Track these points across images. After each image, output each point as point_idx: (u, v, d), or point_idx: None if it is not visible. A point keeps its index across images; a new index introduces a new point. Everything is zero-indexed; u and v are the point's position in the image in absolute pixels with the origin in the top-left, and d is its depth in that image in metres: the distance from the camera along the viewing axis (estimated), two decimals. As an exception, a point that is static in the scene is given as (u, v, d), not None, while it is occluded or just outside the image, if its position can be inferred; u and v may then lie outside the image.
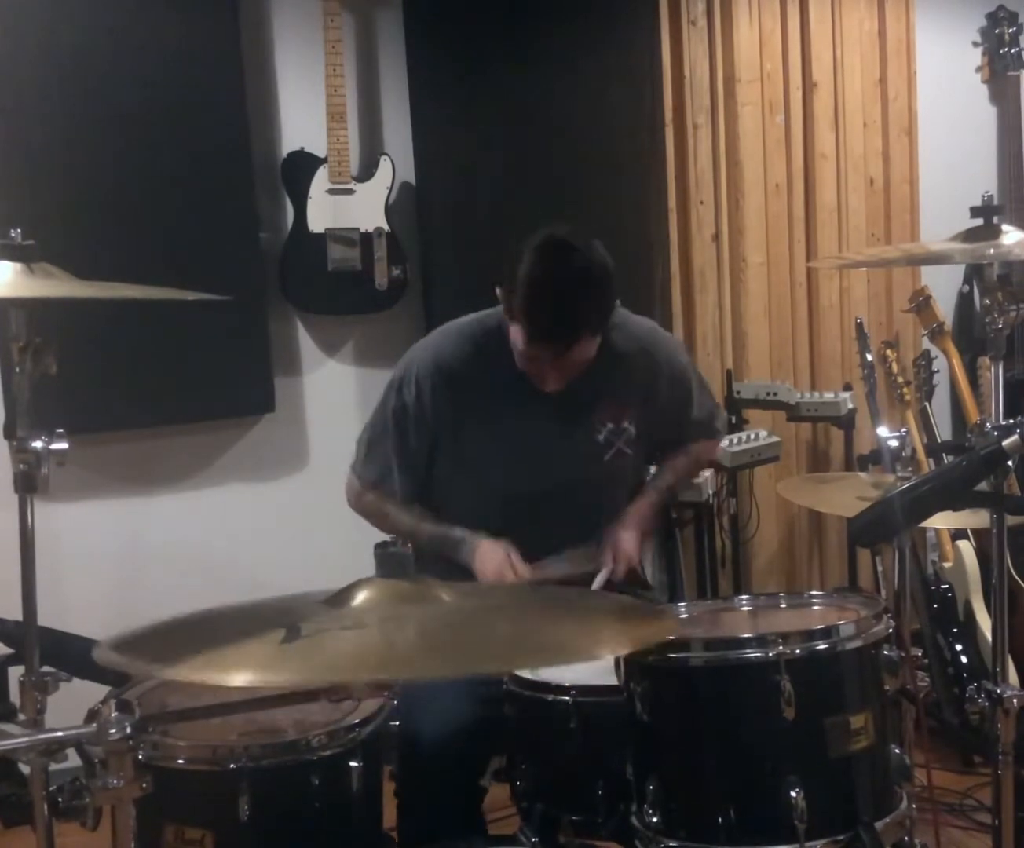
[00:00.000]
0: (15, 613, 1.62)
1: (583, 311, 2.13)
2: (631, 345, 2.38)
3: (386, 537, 1.74)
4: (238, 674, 1.27)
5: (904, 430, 2.23)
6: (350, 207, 3.50)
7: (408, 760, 1.96)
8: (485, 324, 2.35)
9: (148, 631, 1.45)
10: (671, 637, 1.64)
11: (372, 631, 1.38)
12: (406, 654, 1.34)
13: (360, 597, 1.44)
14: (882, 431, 3.48)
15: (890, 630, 1.77)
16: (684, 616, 1.99)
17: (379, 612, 1.42)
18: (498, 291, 2.24)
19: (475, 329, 2.36)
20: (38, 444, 1.48)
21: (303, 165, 3.50)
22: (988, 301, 1.75)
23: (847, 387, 3.89)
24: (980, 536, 3.38)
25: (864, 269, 4.19)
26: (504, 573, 2.21)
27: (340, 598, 1.44)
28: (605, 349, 2.30)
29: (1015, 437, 1.60)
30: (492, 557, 2.24)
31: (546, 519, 2.32)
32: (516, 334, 2.18)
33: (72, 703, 1.54)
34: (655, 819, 1.68)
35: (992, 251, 1.80)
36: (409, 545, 1.72)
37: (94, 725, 1.28)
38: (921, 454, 3.55)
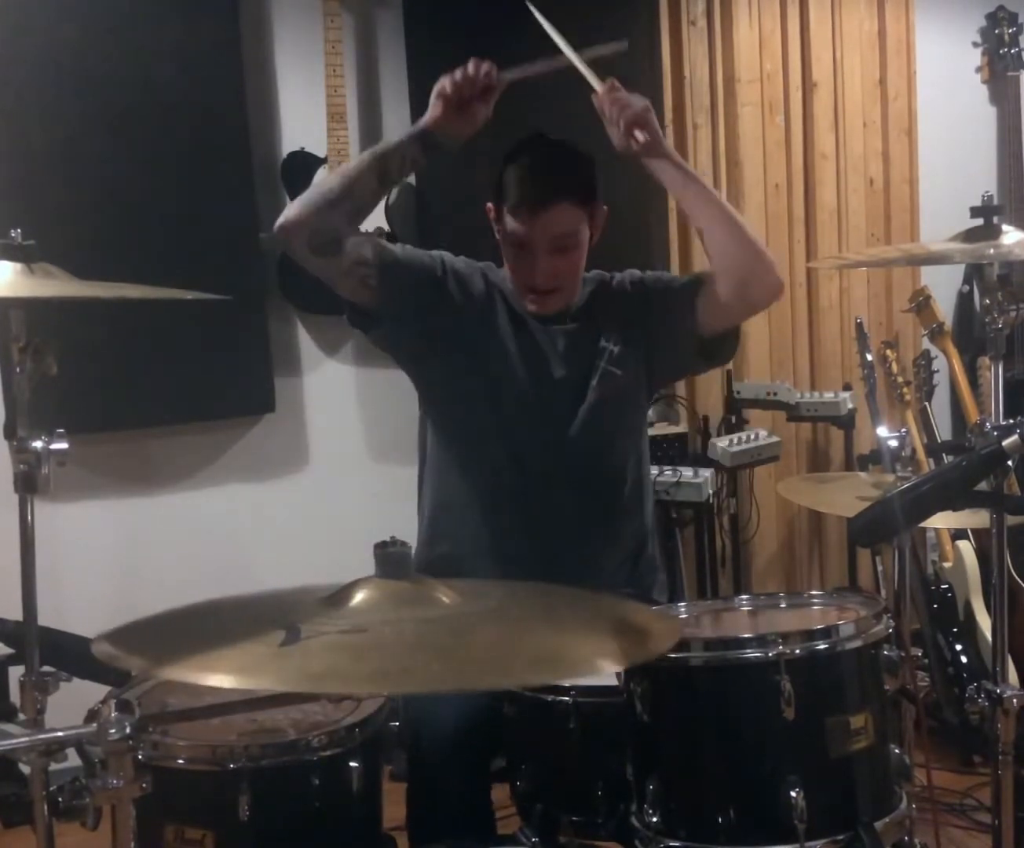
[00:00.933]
0: (15, 613, 1.62)
1: (562, 171, 2.17)
2: (608, 281, 2.33)
3: (386, 537, 1.71)
4: (233, 677, 1.27)
5: (904, 430, 2.23)
6: (350, 207, 3.50)
7: (415, 757, 1.96)
8: (487, 268, 2.33)
9: (147, 624, 1.45)
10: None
11: (370, 637, 1.37)
12: (403, 667, 1.33)
13: (359, 597, 1.44)
14: (882, 431, 3.49)
15: (890, 630, 1.77)
16: (684, 616, 1.99)
17: (378, 613, 1.41)
18: (488, 207, 2.23)
19: (481, 269, 2.33)
20: (38, 444, 1.48)
21: (303, 165, 3.50)
22: (988, 301, 1.75)
23: (847, 387, 3.89)
24: (980, 536, 3.38)
25: (864, 269, 4.19)
26: (452, 77, 2.09)
27: (339, 597, 1.44)
28: (587, 292, 2.28)
29: (1015, 437, 1.60)
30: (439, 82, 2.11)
31: (540, 468, 2.22)
32: (503, 226, 2.17)
33: (72, 703, 1.54)
34: (655, 819, 1.68)
35: (992, 251, 1.80)
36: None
37: (94, 725, 1.28)
38: (921, 454, 3.55)
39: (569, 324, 2.28)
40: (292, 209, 2.21)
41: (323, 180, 2.20)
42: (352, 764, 1.69)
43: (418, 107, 3.62)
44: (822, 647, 1.68)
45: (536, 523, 2.22)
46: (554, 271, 2.18)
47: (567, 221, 2.16)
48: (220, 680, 1.26)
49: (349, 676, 1.31)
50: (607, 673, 1.78)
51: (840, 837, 1.64)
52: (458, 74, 2.12)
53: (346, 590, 1.45)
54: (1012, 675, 2.95)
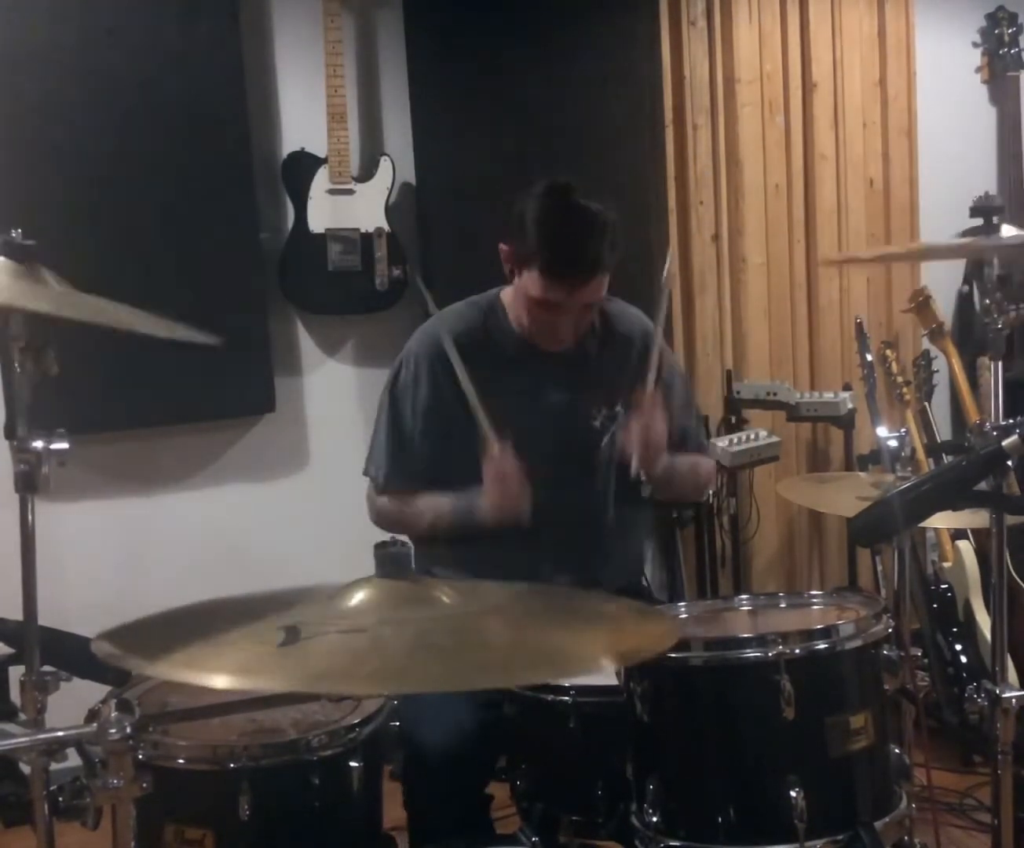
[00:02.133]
0: (15, 613, 1.62)
1: (598, 243, 2.13)
2: (632, 329, 2.39)
3: (386, 537, 1.72)
4: (232, 677, 1.27)
5: (904, 430, 2.23)
6: (350, 207, 3.51)
7: (413, 763, 1.95)
8: (479, 305, 2.35)
9: (147, 623, 1.45)
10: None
11: (369, 636, 1.37)
12: (401, 666, 1.33)
13: (359, 597, 1.43)
14: (882, 431, 3.49)
15: (890, 630, 1.77)
16: (684, 616, 2.00)
17: (378, 613, 1.41)
18: (503, 248, 2.22)
19: (470, 311, 2.35)
20: (38, 444, 1.48)
21: (303, 165, 3.51)
22: (988, 301, 1.75)
23: (847, 387, 3.89)
24: (980, 536, 3.38)
25: (863, 269, 4.18)
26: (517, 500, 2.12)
27: (340, 597, 1.44)
28: (605, 328, 2.33)
29: (1015, 437, 1.60)
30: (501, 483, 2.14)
31: (545, 506, 2.23)
32: (528, 282, 2.16)
33: (72, 703, 1.54)
34: (655, 819, 1.69)
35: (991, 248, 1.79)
36: (411, 545, 1.69)
37: (94, 725, 1.28)
38: (921, 454, 3.55)
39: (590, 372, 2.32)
40: (373, 515, 2.40)
41: (416, 517, 2.33)
42: (352, 764, 1.69)
43: (418, 107, 3.64)
44: (822, 647, 1.69)
45: (531, 553, 2.21)
46: (576, 328, 2.23)
47: (599, 290, 2.18)
48: (219, 681, 1.26)
49: (349, 676, 1.31)
50: (607, 672, 1.78)
51: (840, 837, 1.64)
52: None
53: (346, 590, 1.45)
54: (1012, 675, 2.95)
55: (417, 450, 2.32)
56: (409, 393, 2.32)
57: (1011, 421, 1.64)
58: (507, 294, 2.34)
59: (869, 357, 3.68)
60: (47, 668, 1.57)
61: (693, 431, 2.50)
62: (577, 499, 2.32)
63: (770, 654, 1.64)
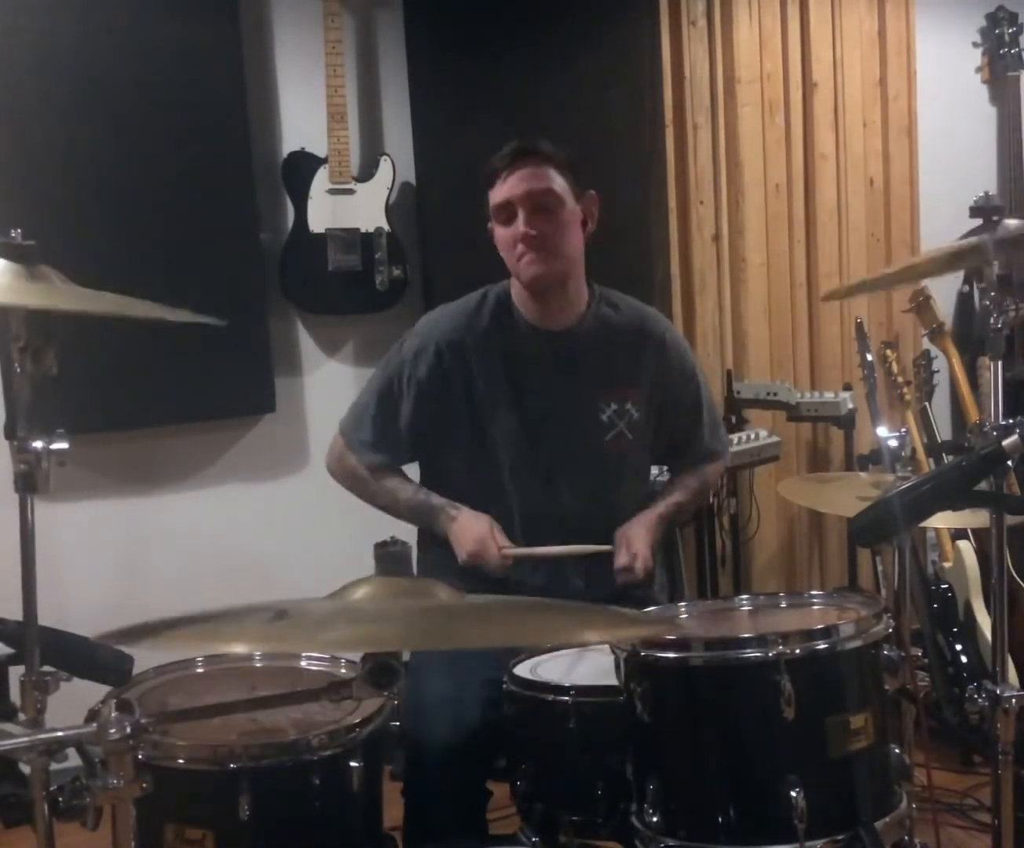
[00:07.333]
0: (15, 613, 1.62)
1: (537, 137, 2.25)
2: (641, 323, 2.39)
3: (386, 537, 1.71)
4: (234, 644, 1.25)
5: (904, 430, 2.22)
6: (350, 207, 3.51)
7: (413, 761, 1.95)
8: (488, 295, 2.38)
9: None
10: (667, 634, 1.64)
11: (367, 614, 1.36)
12: (402, 631, 1.33)
13: (358, 595, 1.42)
14: (882, 431, 3.48)
15: (890, 630, 1.77)
16: (684, 616, 2.00)
17: (377, 605, 1.40)
18: (488, 227, 2.31)
19: (478, 300, 2.38)
20: (38, 444, 1.48)
21: (303, 165, 3.51)
22: (988, 301, 1.75)
23: (847, 387, 3.89)
24: (980, 536, 3.38)
25: (864, 269, 4.18)
26: (486, 547, 2.19)
27: (338, 595, 1.43)
28: (611, 317, 2.35)
29: (1015, 437, 1.60)
30: (472, 530, 2.21)
31: (545, 497, 2.29)
32: (494, 213, 2.26)
33: (72, 703, 1.54)
34: (655, 819, 1.68)
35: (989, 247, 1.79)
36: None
37: (94, 725, 1.28)
38: (921, 454, 3.55)
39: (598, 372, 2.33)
40: (334, 466, 2.49)
41: (373, 488, 2.41)
42: (352, 764, 1.69)
43: (418, 107, 3.64)
44: (822, 647, 1.69)
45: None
46: (538, 227, 2.21)
47: (544, 176, 2.21)
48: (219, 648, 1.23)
49: (347, 639, 1.29)
50: (607, 662, 1.79)
51: (840, 837, 1.64)
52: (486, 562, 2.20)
53: (345, 589, 1.44)
54: (1012, 675, 2.95)
55: (400, 425, 2.35)
56: (407, 367, 2.34)
57: (1011, 421, 1.64)
58: (513, 283, 2.36)
59: (869, 357, 3.68)
60: (47, 668, 1.57)
61: (716, 439, 2.54)
62: (579, 494, 2.32)
63: (770, 654, 1.64)
